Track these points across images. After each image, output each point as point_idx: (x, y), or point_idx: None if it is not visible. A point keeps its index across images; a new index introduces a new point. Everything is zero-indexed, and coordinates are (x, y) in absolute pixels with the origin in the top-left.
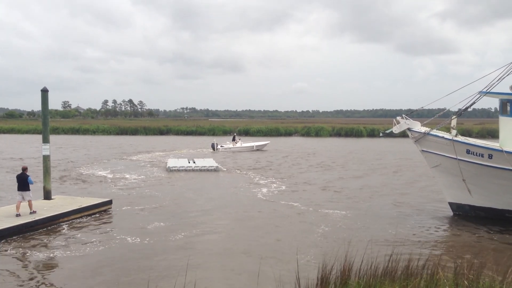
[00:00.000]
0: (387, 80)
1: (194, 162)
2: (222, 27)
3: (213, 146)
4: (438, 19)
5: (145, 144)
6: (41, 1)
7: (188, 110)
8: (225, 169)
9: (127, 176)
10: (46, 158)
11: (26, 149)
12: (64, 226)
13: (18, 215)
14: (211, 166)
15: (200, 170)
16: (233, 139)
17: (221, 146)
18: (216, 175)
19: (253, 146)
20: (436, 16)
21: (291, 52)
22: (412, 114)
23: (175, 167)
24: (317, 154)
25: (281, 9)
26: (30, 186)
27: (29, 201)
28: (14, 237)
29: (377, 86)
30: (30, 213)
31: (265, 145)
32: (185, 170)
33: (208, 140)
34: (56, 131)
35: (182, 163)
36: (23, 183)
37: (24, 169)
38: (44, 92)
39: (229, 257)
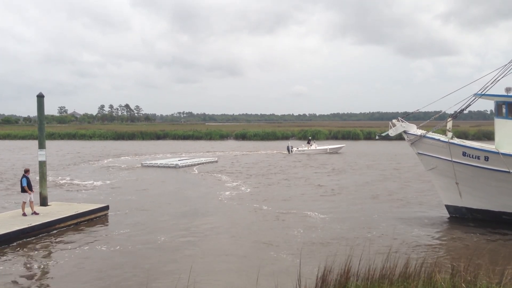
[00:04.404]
0: (385, 82)
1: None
2: (222, 30)
3: (288, 149)
4: (440, 20)
5: (147, 148)
6: (38, 4)
7: (184, 115)
8: (196, 171)
9: (115, 177)
10: (42, 164)
11: (21, 156)
12: (60, 232)
13: (23, 215)
14: (172, 164)
15: (164, 167)
16: (308, 142)
17: (296, 149)
18: (176, 171)
19: (326, 149)
20: (438, 18)
21: (290, 54)
22: (408, 116)
23: (145, 163)
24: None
25: (283, 10)
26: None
27: (23, 203)
28: (11, 244)
29: (375, 89)
30: (22, 215)
31: (340, 148)
32: (153, 166)
33: (213, 144)
34: (53, 136)
35: (156, 161)
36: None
37: (25, 171)
38: (40, 97)
39: (229, 257)
